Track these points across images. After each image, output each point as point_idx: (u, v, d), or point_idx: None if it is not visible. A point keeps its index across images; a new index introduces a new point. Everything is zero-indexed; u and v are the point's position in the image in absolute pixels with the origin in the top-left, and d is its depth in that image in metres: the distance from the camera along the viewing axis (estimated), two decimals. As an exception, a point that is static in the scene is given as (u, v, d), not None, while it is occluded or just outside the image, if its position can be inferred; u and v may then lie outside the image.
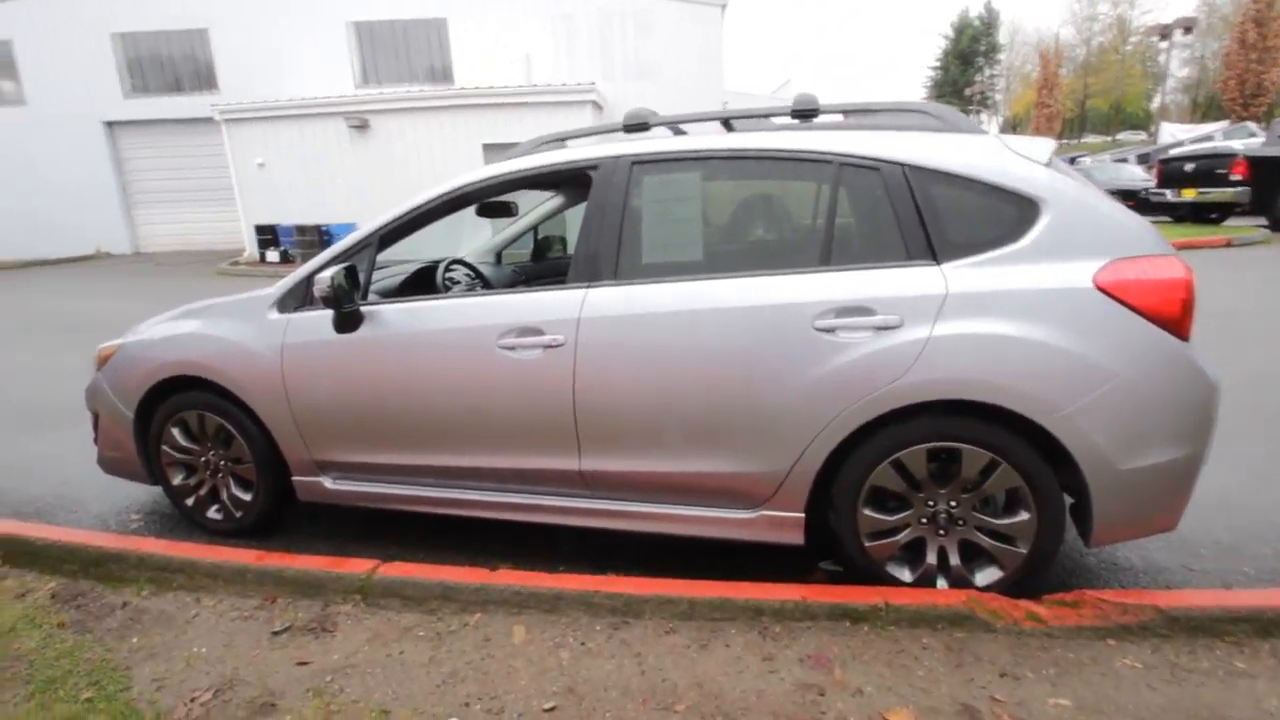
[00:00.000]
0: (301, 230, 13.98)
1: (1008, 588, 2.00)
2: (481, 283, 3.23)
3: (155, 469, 2.77)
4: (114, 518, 2.98)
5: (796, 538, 2.11)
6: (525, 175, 2.39)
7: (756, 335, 2.01)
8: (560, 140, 2.55)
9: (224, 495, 2.72)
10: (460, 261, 3.24)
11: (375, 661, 1.89)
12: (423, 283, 2.93)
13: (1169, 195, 12.29)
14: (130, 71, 17.49)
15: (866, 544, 2.05)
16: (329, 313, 2.37)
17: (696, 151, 2.24)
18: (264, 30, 16.63)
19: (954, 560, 2.04)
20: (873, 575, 2.08)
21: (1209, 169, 11.66)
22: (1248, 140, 13.51)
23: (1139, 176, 14.77)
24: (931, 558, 2.05)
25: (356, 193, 14.01)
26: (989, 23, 51.91)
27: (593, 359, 2.12)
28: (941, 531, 2.03)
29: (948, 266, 1.93)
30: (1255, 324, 5.46)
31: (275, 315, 2.52)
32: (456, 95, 14.18)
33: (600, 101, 14.50)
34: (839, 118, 2.30)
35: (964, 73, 51.86)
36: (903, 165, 2.00)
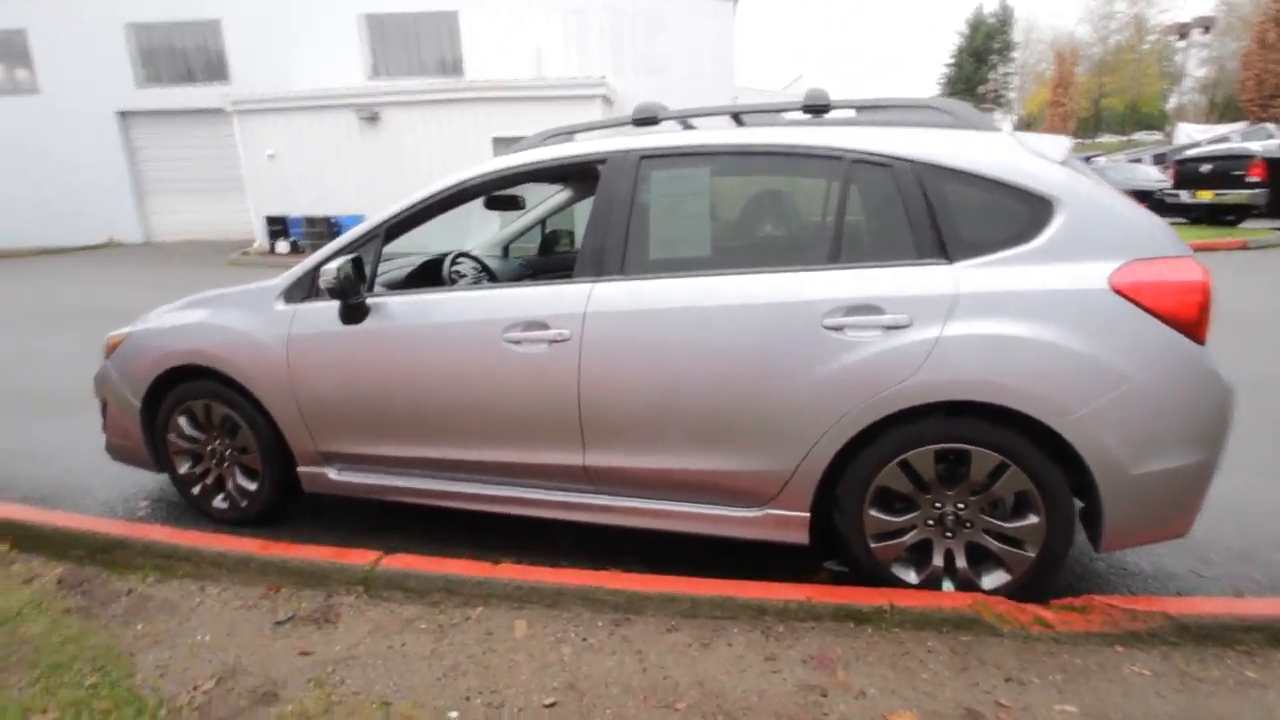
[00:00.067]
0: (311, 222, 14.04)
1: (1015, 592, 1.98)
2: (488, 276, 3.23)
3: (162, 457, 2.79)
4: (121, 504, 3.00)
5: (801, 537, 2.10)
6: (533, 168, 2.38)
7: (764, 332, 1.99)
8: (568, 133, 2.53)
9: (230, 484, 2.73)
10: (467, 254, 3.23)
11: (377, 653, 1.89)
12: (429, 275, 2.93)
13: (1184, 196, 12.15)
14: (143, 62, 17.57)
15: (872, 545, 2.04)
16: (335, 304, 2.37)
17: (706, 146, 2.21)
18: (276, 22, 16.66)
19: (960, 563, 2.02)
20: (878, 576, 2.06)
21: (1226, 170, 11.51)
22: (1266, 142, 13.32)
23: (1154, 177, 14.59)
24: (938, 560, 2.03)
25: (366, 185, 14.05)
26: (1004, 20, 51.37)
27: (598, 354, 2.11)
28: (948, 534, 2.00)
29: (959, 266, 1.90)
30: (1269, 327, 5.39)
31: (282, 306, 2.52)
32: (467, 88, 14.17)
33: (610, 96, 14.44)
34: (851, 113, 2.27)
35: (978, 70, 51.36)
36: (915, 162, 1.97)
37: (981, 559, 2.02)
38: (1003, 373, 1.82)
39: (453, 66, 16.82)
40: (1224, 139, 17.49)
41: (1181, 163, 12.62)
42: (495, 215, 3.53)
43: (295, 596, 2.17)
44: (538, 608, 2.06)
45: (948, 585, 2.03)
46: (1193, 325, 1.80)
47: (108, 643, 1.96)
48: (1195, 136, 22.09)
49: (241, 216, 15.96)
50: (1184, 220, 12.08)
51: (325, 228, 13.81)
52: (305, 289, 2.51)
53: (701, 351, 2.04)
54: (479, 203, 2.83)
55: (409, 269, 2.94)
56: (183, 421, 2.70)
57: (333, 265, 2.25)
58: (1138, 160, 18.11)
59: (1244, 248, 9.77)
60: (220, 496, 2.76)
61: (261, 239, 14.76)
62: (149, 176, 18.32)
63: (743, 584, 2.04)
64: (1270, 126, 19.35)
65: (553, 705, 1.67)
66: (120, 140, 17.86)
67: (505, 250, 3.64)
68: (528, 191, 3.20)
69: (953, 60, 53.20)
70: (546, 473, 2.29)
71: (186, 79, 17.63)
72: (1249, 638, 1.80)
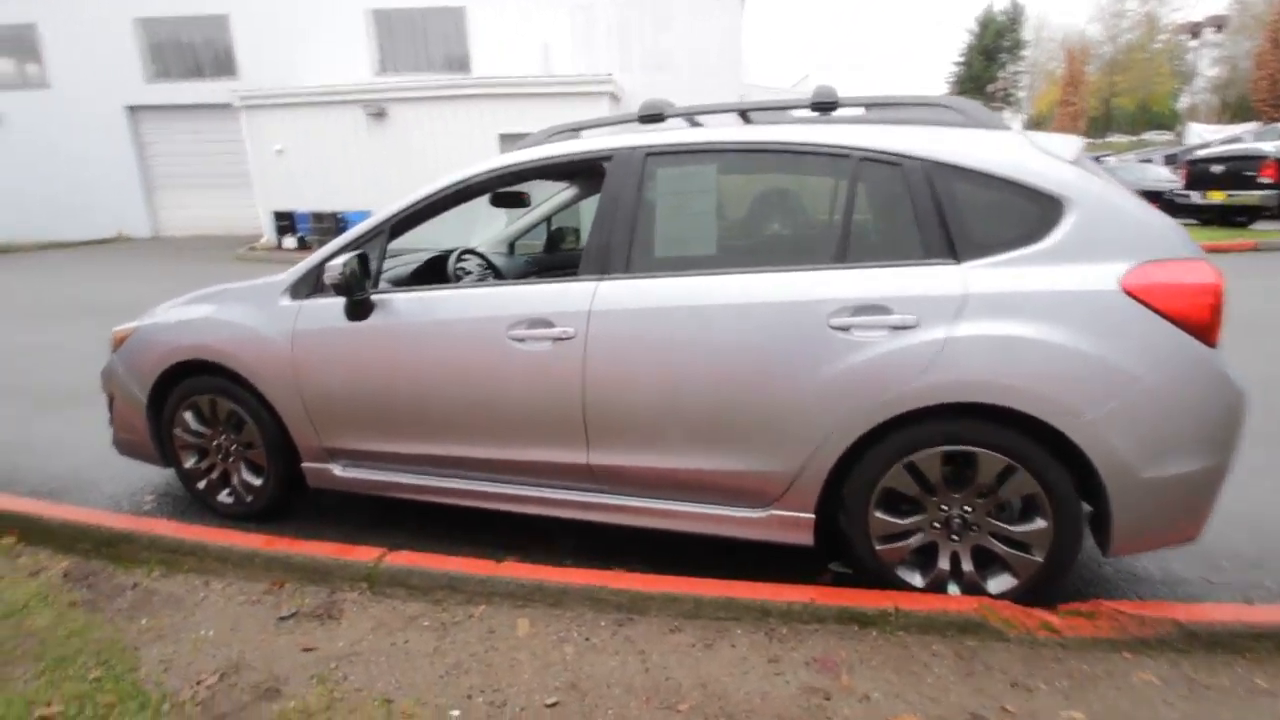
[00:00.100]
0: (318, 217, 14.07)
1: (1021, 596, 1.96)
2: (493, 273, 3.22)
3: (168, 452, 2.80)
4: (128, 499, 3.01)
5: (806, 538, 2.09)
6: (538, 165, 2.37)
7: (770, 332, 1.97)
8: (574, 130, 2.52)
9: (235, 480, 2.74)
10: (472, 251, 3.23)
11: (380, 650, 1.89)
12: (434, 272, 2.92)
13: (1196, 197, 12.04)
14: (152, 57, 17.65)
15: (877, 547, 2.02)
16: (340, 300, 2.37)
17: (712, 143, 2.20)
18: (283, 17, 16.70)
19: (967, 566, 2.00)
20: (883, 579, 2.04)
21: (1238, 171, 11.41)
22: (1278, 142, 13.18)
23: (1165, 177, 14.46)
24: (944, 563, 2.01)
25: (373, 181, 14.07)
26: (1014, 18, 50.99)
27: (603, 352, 2.10)
28: (955, 537, 1.99)
29: (968, 266, 1.88)
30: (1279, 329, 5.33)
31: (287, 302, 2.52)
32: (474, 84, 14.18)
33: (617, 93, 14.42)
34: (859, 111, 2.25)
35: (987, 68, 51.00)
36: (924, 161, 1.95)
37: (988, 563, 2.00)
38: (1011, 374, 1.80)
39: (460, 62, 16.82)
40: (1236, 139, 17.34)
41: (1193, 163, 12.51)
42: (501, 212, 3.53)
43: (299, 592, 2.18)
44: (541, 606, 2.05)
45: (953, 589, 2.01)
46: (1205, 328, 1.78)
47: (112, 636, 1.97)
48: (1207, 137, 21.90)
49: (249, 212, 16.01)
50: (1195, 221, 11.98)
51: (332, 223, 13.83)
52: (311, 285, 2.51)
53: (707, 350, 2.02)
54: (484, 199, 2.82)
55: (414, 265, 2.93)
56: (188, 416, 2.71)
57: (338, 261, 2.25)
58: (1148, 160, 17.96)
59: (1255, 249, 9.68)
60: (225, 491, 2.77)
61: (269, 234, 14.81)
62: (158, 171, 18.42)
63: (747, 585, 2.03)
64: (1283, 127, 19.14)
65: (554, 705, 1.67)
66: (129, 135, 17.95)
67: (510, 247, 3.64)
68: (533, 188, 3.20)
69: (962, 58, 52.85)
70: (550, 471, 2.29)
71: (195, 74, 17.70)
72: (1259, 645, 1.78)
